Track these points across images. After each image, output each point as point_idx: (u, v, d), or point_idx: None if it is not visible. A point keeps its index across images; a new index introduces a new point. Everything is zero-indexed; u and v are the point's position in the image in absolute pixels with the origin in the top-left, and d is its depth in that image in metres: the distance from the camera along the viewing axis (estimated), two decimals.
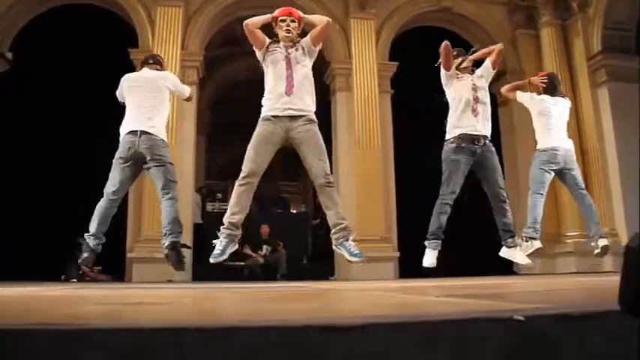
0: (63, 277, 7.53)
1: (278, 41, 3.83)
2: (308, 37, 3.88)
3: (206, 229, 8.98)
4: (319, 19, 3.92)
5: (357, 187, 8.38)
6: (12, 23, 8.52)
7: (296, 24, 3.84)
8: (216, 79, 12.42)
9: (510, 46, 9.78)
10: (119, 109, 4.50)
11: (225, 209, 10.24)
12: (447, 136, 4.48)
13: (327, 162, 3.71)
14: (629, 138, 8.60)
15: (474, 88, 4.45)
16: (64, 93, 8.26)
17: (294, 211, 11.36)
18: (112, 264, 7.06)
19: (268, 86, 3.78)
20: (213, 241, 3.65)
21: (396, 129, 8.95)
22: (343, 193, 8.47)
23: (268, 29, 3.87)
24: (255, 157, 3.65)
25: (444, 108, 4.58)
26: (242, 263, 8.00)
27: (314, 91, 3.81)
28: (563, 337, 1.03)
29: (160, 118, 4.41)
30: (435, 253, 4.23)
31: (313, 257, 9.43)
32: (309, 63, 3.84)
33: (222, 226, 3.65)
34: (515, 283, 4.12)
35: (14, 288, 4.01)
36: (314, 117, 3.72)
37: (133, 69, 8.19)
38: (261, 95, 3.84)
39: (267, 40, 3.83)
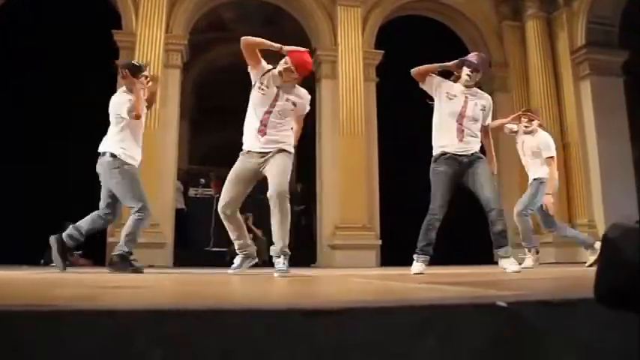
0: (42, 261, 7.43)
1: (271, 70, 3.69)
2: (296, 111, 3.78)
3: (188, 214, 8.93)
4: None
5: (340, 176, 8.38)
6: None
7: (297, 75, 3.67)
8: (201, 64, 12.27)
9: (496, 38, 9.83)
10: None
11: (209, 195, 10.06)
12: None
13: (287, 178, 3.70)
14: (609, 131, 8.73)
15: None
16: (45, 74, 8.09)
17: None
18: (93, 249, 6.97)
19: (248, 117, 3.76)
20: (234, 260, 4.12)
21: (381, 118, 8.95)
22: (326, 182, 8.48)
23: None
24: (230, 189, 3.78)
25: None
26: (224, 249, 7.97)
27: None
28: (546, 323, 1.04)
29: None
30: (423, 266, 4.05)
31: (295, 245, 9.41)
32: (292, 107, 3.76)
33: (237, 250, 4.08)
34: (495, 272, 4.15)
35: None
36: (288, 148, 3.72)
37: (116, 50, 8.08)
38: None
39: (266, 67, 3.70)
